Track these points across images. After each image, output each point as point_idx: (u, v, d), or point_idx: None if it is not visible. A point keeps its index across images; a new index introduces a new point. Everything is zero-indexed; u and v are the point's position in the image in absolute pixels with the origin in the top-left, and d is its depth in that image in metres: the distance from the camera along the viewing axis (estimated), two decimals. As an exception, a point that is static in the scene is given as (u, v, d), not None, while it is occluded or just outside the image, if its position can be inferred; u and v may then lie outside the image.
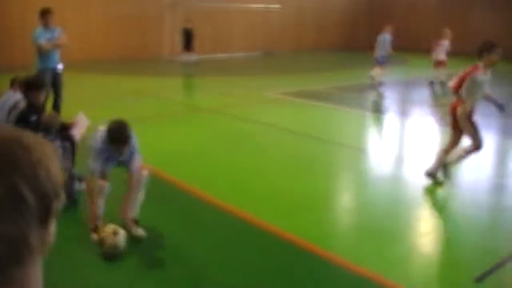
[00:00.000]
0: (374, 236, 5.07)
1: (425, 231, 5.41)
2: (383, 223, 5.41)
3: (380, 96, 14.11)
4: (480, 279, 4.24)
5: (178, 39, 18.73)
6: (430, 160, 7.68)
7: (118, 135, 4.62)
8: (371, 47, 16.26)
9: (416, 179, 7.04)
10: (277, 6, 25.25)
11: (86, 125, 6.08)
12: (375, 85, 14.90)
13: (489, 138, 9.71)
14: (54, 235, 0.96)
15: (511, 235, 5.31)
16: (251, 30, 24.87)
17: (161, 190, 5.96)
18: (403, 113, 12.11)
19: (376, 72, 15.25)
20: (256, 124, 9.96)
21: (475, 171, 7.48)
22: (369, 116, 11.73)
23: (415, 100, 13.96)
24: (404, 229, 5.43)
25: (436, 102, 13.63)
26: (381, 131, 10.32)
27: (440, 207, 6.20)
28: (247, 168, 7.24)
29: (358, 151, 8.42)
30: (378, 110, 12.56)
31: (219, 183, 6.47)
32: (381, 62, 15.42)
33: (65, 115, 7.31)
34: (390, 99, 13.95)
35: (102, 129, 4.79)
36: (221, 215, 5.47)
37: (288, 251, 4.69)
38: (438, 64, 15.54)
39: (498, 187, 6.92)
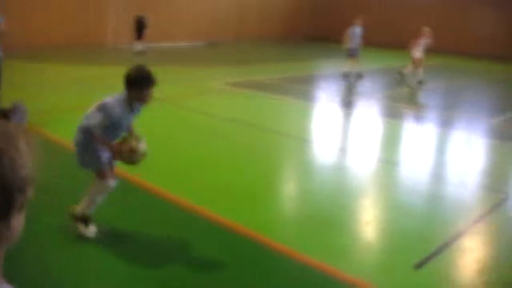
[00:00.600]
0: (317, 225, 5.18)
1: (367, 220, 5.55)
2: (327, 212, 5.53)
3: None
4: (418, 266, 4.42)
5: (123, 27, 18.39)
6: (371, 151, 7.93)
7: (148, 74, 4.29)
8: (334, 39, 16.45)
9: (359, 169, 7.25)
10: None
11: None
12: (351, 77, 15.49)
13: (429, 130, 10.09)
14: (20, 229, 0.93)
15: (448, 223, 5.54)
16: (194, 19, 24.62)
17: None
18: (348, 104, 12.35)
19: (349, 65, 15.75)
20: (201, 114, 9.94)
21: (416, 162, 7.75)
22: (314, 106, 11.91)
23: (363, 92, 14.24)
24: (346, 218, 5.57)
25: (394, 93, 14.00)
26: (326, 121, 10.49)
27: (382, 196, 6.38)
28: (191, 157, 7.24)
29: (303, 141, 8.56)
30: (325, 100, 12.75)
31: (161, 172, 6.43)
32: (352, 55, 15.80)
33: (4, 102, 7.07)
34: (340, 91, 14.19)
35: (109, 98, 4.35)
36: (159, 202, 5.48)
37: (232, 240, 4.74)
38: (415, 61, 15.44)
39: (437, 176, 7.19)
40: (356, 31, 15.72)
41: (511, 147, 9.08)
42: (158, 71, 4.61)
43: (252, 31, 27.52)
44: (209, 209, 5.28)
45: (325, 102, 12.48)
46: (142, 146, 4.41)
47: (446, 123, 10.87)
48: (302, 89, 13.71)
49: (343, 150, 8.31)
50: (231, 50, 22.95)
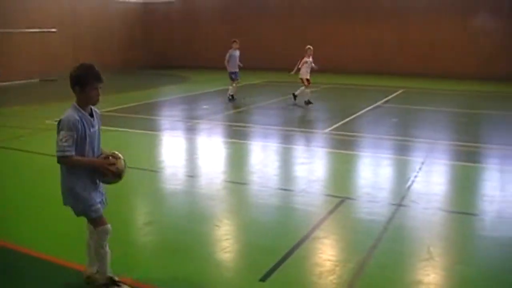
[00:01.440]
0: (161, 253, 5.04)
1: (213, 240, 5.53)
2: (171, 239, 5.42)
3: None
4: (264, 278, 4.47)
5: None
6: (216, 172, 7.96)
7: (90, 69, 3.97)
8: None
9: (204, 191, 7.25)
10: (53, 29, 24.08)
11: None
12: (233, 99, 16.25)
13: (271, 146, 10.44)
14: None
15: (291, 231, 5.70)
16: (28, 56, 23.33)
17: None
18: (188, 129, 12.37)
19: (231, 88, 16.25)
20: (36, 154, 9.32)
21: (261, 177, 7.96)
22: (154, 135, 11.74)
23: (199, 115, 14.36)
24: (190, 242, 5.49)
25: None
26: (169, 149, 10.39)
27: (227, 215, 6.40)
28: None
29: (149, 171, 8.37)
30: (162, 129, 12.64)
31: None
32: (233, 78, 16.23)
33: None
34: (177, 117, 14.16)
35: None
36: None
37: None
38: (308, 81, 15.62)
39: (280, 188, 7.43)
40: (234, 54, 16.23)
41: (344, 155, 9.69)
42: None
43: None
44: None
45: (167, 129, 12.38)
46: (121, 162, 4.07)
47: (286, 138, 11.36)
48: (142, 118, 13.49)
49: (189, 175, 8.26)
50: (67, 85, 21.88)
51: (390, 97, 17.99)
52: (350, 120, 13.23)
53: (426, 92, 20.29)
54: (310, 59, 15.68)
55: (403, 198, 6.90)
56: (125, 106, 15.22)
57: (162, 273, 4.59)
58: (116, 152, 4.16)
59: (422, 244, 5.42)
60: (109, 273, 4.16)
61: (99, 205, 4.07)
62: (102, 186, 4.21)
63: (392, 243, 5.49)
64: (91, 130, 4.00)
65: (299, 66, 15.76)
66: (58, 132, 3.86)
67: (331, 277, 4.56)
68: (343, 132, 11.59)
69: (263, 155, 9.83)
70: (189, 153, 9.91)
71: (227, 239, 5.58)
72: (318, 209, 6.56)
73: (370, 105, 15.59)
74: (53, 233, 5.65)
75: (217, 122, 13.16)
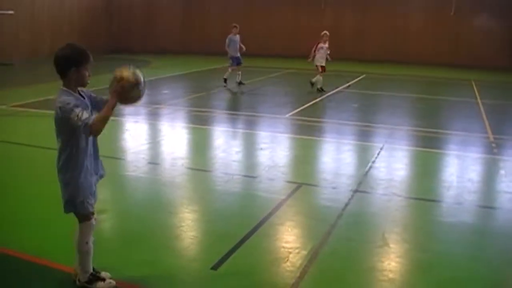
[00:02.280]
0: (123, 243, 4.89)
1: (169, 229, 5.40)
2: (129, 226, 5.28)
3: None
4: (216, 267, 4.37)
5: None
6: (177, 158, 7.79)
7: (80, 48, 3.79)
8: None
9: (163, 178, 7.10)
10: (10, 11, 23.21)
11: None
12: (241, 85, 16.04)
13: (232, 131, 10.31)
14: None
15: (246, 218, 5.61)
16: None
17: None
18: (147, 114, 12.13)
19: (233, 73, 16.00)
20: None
21: (218, 162, 7.84)
22: (112, 121, 11.43)
23: (159, 100, 14.10)
24: (147, 231, 5.35)
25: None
26: (128, 135, 10.15)
27: (182, 202, 6.27)
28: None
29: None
30: (120, 114, 12.35)
31: None
32: (234, 63, 16.01)
33: None
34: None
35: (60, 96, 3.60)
36: None
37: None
38: (322, 69, 15.16)
39: (236, 174, 7.32)
40: (234, 39, 16.04)
41: (304, 140, 9.65)
42: None
43: (45, 49, 25.52)
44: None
45: (126, 115, 12.10)
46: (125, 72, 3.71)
47: (246, 123, 11.25)
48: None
49: (148, 161, 8.06)
50: (23, 70, 21.31)
51: (351, 82, 18.05)
52: (310, 105, 13.21)
53: (386, 78, 20.46)
54: (326, 45, 15.11)
55: (360, 184, 6.88)
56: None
57: (114, 261, 4.42)
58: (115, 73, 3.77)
59: (377, 230, 5.40)
60: (90, 270, 3.95)
61: (93, 200, 3.88)
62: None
63: (347, 229, 5.45)
64: (88, 110, 3.71)
65: (314, 51, 15.19)
66: (67, 116, 3.53)
67: (284, 264, 4.49)
68: (304, 117, 11.55)
69: (222, 141, 9.70)
70: (148, 139, 9.69)
71: (182, 226, 5.45)
72: (275, 195, 6.47)
73: (331, 91, 15.60)
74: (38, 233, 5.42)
75: (177, 107, 12.95)
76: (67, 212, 3.81)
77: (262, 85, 16.80)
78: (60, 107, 3.56)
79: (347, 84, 17.34)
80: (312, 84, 15.43)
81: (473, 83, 18.67)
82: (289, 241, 5.09)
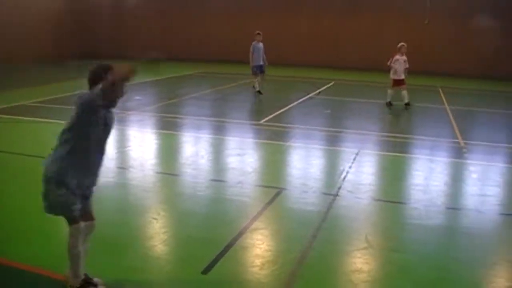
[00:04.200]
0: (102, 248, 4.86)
1: (151, 234, 5.39)
2: (110, 232, 5.25)
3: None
4: (206, 271, 4.40)
5: None
6: (150, 164, 7.77)
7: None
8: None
9: (139, 184, 7.07)
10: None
11: None
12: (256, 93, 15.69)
13: (205, 138, 10.33)
14: None
15: (230, 223, 5.65)
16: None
17: None
18: (119, 120, 12.03)
19: (256, 82, 15.70)
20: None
21: (195, 169, 7.85)
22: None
23: (131, 106, 14.00)
24: (127, 236, 5.33)
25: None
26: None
27: (164, 208, 6.27)
28: None
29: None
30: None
31: None
32: (255, 72, 15.66)
33: None
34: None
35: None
36: None
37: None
38: (394, 82, 14.20)
39: (216, 180, 7.36)
40: (258, 47, 15.65)
41: (279, 146, 9.73)
42: None
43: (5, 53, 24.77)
44: None
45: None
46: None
47: (220, 129, 11.28)
48: (71, 110, 12.95)
49: (122, 167, 8.01)
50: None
51: (322, 88, 18.25)
52: (284, 111, 13.32)
53: (356, 85, 20.75)
54: (404, 57, 14.16)
55: (339, 188, 6.99)
56: (51, 97, 14.55)
57: (102, 269, 4.39)
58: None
59: (359, 233, 5.51)
60: (81, 276, 3.94)
61: (79, 204, 3.88)
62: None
63: (331, 232, 5.55)
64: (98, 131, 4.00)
65: (390, 64, 14.30)
66: (87, 99, 3.85)
67: (273, 268, 4.55)
68: (278, 124, 11.63)
69: (197, 146, 9.70)
70: (121, 145, 9.61)
71: (167, 232, 5.46)
72: (256, 200, 6.54)
73: (302, 97, 15.75)
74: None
75: (149, 113, 12.88)
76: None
77: (235, 91, 16.80)
78: (78, 97, 3.84)
79: (318, 91, 17.52)
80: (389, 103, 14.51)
81: (440, 90, 19.09)
82: (275, 245, 5.16)
